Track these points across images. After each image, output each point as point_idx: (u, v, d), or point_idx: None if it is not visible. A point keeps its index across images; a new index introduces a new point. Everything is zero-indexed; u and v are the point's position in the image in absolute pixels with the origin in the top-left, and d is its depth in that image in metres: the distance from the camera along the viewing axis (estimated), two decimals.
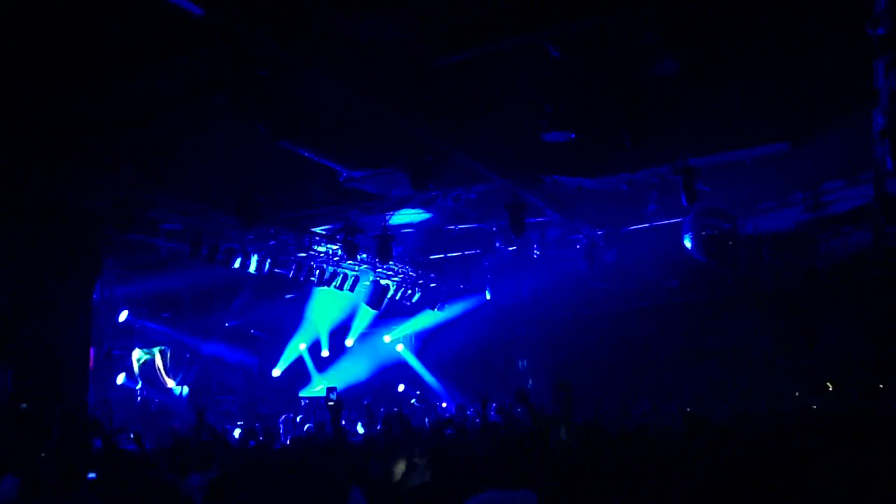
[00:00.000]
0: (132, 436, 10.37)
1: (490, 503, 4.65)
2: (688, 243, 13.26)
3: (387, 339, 23.17)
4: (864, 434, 6.58)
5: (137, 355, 18.84)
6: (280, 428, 17.21)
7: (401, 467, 5.75)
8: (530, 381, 22.59)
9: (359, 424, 16.99)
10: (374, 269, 17.43)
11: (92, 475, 5.66)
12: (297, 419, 18.41)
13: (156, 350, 19.59)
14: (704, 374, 19.52)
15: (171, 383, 19.34)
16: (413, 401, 19.91)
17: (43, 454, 9.15)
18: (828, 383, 15.35)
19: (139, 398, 18.31)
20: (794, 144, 11.51)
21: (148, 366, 19.10)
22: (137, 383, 18.52)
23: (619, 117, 9.79)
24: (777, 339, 19.63)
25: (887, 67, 8.03)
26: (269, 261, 15.06)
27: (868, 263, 17.32)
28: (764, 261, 17.94)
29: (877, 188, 13.60)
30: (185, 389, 19.15)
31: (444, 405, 20.43)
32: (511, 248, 16.62)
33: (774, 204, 14.92)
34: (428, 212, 14.37)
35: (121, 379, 17.93)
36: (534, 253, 16.31)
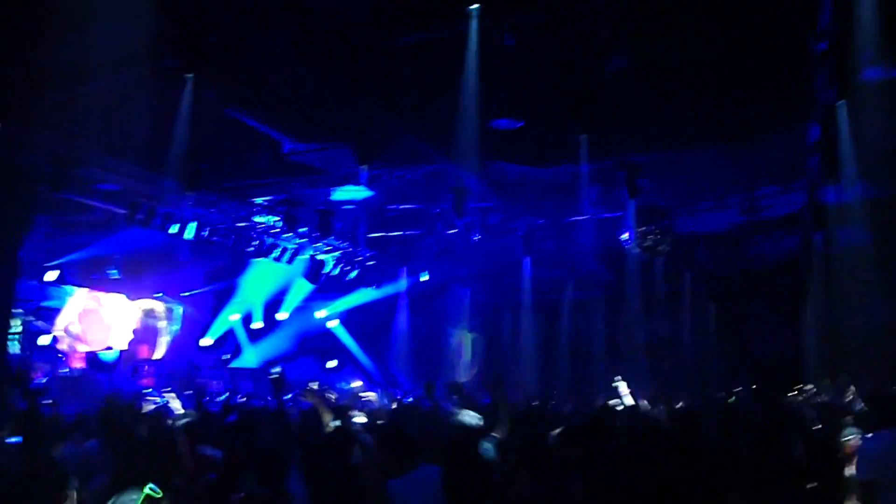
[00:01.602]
0: (51, 401, 10.14)
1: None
2: (625, 238, 13.49)
3: (321, 314, 23.10)
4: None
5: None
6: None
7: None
8: (461, 368, 22.80)
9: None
10: (312, 243, 17.34)
11: (16, 440, 5.52)
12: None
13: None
14: (635, 367, 19.91)
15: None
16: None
17: None
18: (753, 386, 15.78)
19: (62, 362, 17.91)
20: (734, 149, 11.80)
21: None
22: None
23: (568, 109, 9.91)
24: (707, 336, 20.14)
25: (825, 82, 8.29)
26: (207, 228, 14.87)
27: (797, 267, 17.86)
28: (698, 259, 18.36)
29: (809, 196, 14.05)
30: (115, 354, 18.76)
31: (359, 384, 20.16)
32: (451, 231, 16.67)
33: (712, 205, 15.29)
34: (371, 189, 14.33)
35: (45, 340, 17.52)
36: (474, 237, 16.39)
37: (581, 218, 15.74)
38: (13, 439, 5.59)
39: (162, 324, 21.00)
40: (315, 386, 7.32)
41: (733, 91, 9.90)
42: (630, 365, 20.10)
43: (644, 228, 13.74)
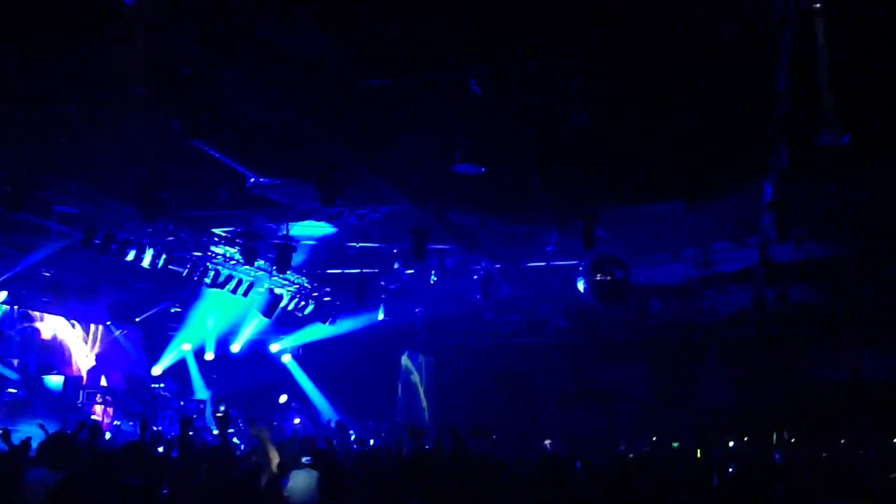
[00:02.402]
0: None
1: None
2: (581, 286, 13.66)
3: (274, 347, 22.95)
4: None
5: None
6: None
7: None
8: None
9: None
10: (270, 276, 17.28)
11: None
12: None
13: None
14: (584, 413, 20.06)
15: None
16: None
17: None
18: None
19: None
20: (690, 204, 12.07)
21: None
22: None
23: (530, 158, 10.08)
24: (657, 386, 20.36)
25: (780, 144, 8.55)
26: (164, 256, 14.74)
27: (747, 322, 18.20)
28: (651, 310, 18.63)
29: (762, 253, 14.39)
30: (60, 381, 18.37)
31: (297, 421, 20.15)
32: (409, 272, 16.74)
33: (667, 257, 15.58)
34: (332, 226, 14.37)
35: None
36: (431, 279, 16.46)
37: (538, 264, 15.92)
38: None
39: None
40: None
41: (691, 148, 10.17)
42: (577, 411, 20.29)
43: (599, 277, 13.91)
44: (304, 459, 6.96)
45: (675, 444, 16.26)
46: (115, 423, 17.34)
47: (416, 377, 23.23)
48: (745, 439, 16.93)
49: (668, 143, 9.94)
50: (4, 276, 16.50)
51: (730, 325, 19.22)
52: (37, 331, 18.76)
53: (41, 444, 7.09)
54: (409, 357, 23.05)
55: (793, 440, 16.65)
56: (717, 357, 20.23)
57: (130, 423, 16.95)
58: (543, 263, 15.60)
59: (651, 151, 10.18)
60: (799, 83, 7.70)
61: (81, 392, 18.19)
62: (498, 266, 16.18)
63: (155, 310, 21.08)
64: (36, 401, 17.21)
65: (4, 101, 9.58)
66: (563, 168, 10.38)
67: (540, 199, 11.65)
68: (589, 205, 11.88)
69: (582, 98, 8.50)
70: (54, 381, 18.24)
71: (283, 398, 21.72)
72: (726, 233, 14.47)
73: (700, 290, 18.06)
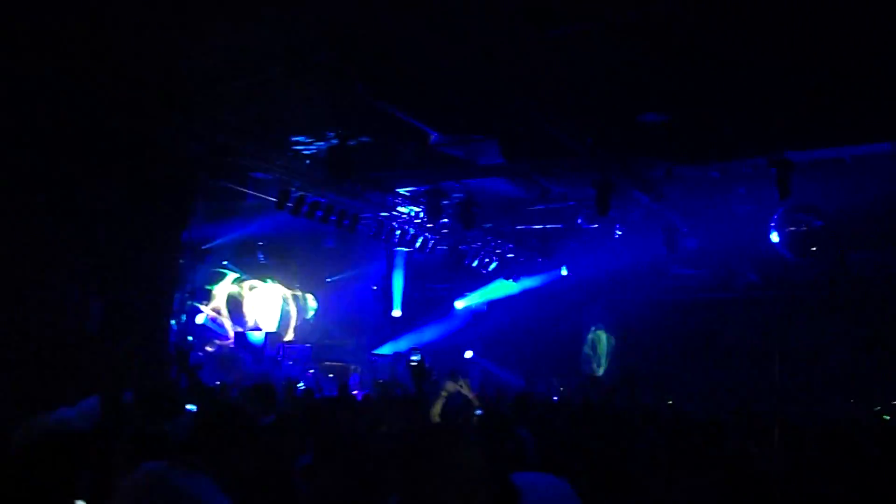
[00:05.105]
0: (219, 383, 10.68)
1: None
2: (775, 238, 12.99)
3: (459, 304, 23.33)
4: None
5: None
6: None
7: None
8: (595, 365, 22.57)
9: None
10: (454, 234, 17.54)
11: (191, 407, 5.89)
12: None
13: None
14: (776, 373, 19.11)
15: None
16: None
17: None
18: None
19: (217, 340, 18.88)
20: None
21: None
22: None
23: (720, 103, 9.62)
24: (857, 347, 19.04)
25: None
26: (351, 217, 15.25)
27: None
28: (853, 264, 17.43)
29: None
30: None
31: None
32: (592, 226, 16.48)
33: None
34: (514, 182, 14.36)
35: (200, 319, 18.46)
36: (615, 233, 16.15)
37: (727, 216, 15.25)
38: (190, 407, 5.99)
39: (292, 310, 21.72)
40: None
41: None
42: (768, 371, 19.34)
43: (795, 228, 13.19)
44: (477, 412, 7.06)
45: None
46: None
47: (598, 335, 23.04)
48: None
49: (872, 75, 9.14)
50: (211, 243, 17.72)
51: None
52: None
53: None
54: (592, 313, 22.85)
55: None
56: None
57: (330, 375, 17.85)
58: (734, 215, 14.92)
59: (850, 88, 9.42)
60: None
61: (280, 347, 19.25)
62: (684, 218, 15.65)
63: (343, 274, 21.95)
64: (241, 354, 18.39)
65: (204, 76, 10.16)
66: (755, 111, 9.82)
67: (731, 146, 11.13)
68: (783, 151, 11.19)
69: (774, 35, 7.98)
70: (256, 336, 19.37)
71: (468, 354, 22.10)
72: None
73: None
